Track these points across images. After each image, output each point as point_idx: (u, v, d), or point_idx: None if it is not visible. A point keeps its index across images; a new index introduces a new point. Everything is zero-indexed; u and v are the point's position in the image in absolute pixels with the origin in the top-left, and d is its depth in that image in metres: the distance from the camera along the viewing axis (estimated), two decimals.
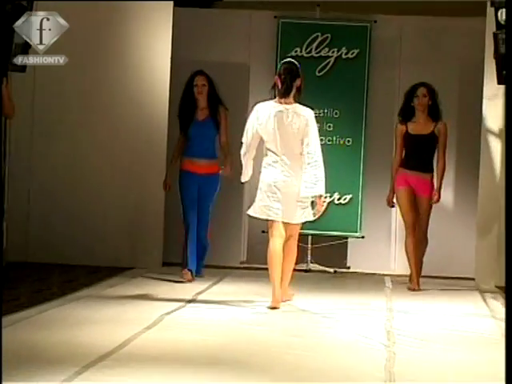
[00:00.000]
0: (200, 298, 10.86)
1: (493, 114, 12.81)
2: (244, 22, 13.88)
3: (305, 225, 11.00)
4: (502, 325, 9.83)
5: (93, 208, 13.14)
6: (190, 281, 11.52)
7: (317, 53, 13.63)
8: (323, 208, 10.49)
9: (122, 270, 12.56)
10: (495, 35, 11.95)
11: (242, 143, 10.31)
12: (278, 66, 10.72)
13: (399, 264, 12.78)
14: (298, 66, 10.34)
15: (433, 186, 11.62)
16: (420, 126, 11.31)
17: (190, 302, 10.53)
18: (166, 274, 12.49)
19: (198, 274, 11.88)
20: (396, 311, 10.36)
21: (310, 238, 13.29)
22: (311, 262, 13.48)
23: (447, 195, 13.40)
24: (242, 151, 10.35)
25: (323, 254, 13.53)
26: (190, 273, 11.60)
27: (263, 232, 13.46)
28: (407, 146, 11.37)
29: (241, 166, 10.71)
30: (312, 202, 10.13)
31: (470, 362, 7.87)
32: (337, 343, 8.54)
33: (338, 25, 13.64)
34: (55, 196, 13.11)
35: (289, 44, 13.73)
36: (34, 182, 13.31)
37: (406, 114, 11.36)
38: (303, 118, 10.19)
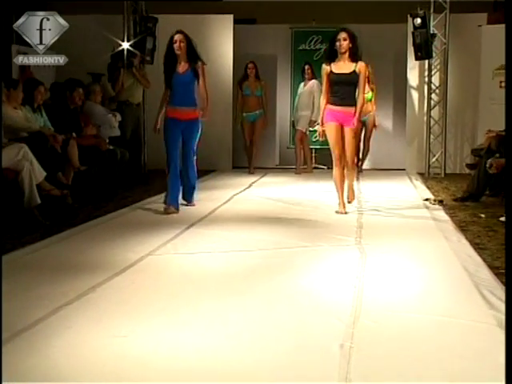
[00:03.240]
0: (254, 185, 10.87)
1: (412, 77, 12.81)
2: (273, 31, 13.60)
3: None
4: (421, 193, 9.92)
5: None
6: (173, 213, 8.03)
7: (314, 47, 13.49)
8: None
9: (211, 171, 12.37)
10: (413, 33, 12.00)
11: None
12: (303, 63, 12.61)
13: (365, 163, 12.79)
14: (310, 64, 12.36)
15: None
16: (342, 66, 7.89)
17: (248, 187, 10.57)
18: (234, 173, 12.47)
19: (189, 204, 8.60)
20: (362, 188, 10.28)
21: (313, 150, 13.25)
22: (315, 163, 13.47)
23: (389, 122, 13.38)
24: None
25: (321, 159, 13.45)
26: (171, 207, 8.08)
27: (287, 148, 13.56)
28: (332, 84, 7.93)
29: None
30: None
31: (404, 220, 7.81)
32: (326, 207, 8.50)
33: (324, 30, 13.38)
34: None
35: (298, 42, 13.61)
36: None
37: (331, 56, 7.99)
38: (314, 85, 12.08)
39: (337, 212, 8.08)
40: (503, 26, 11.45)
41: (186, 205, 8.53)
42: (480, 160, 9.25)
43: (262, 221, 7.55)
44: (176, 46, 8.10)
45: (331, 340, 3.73)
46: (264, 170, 12.85)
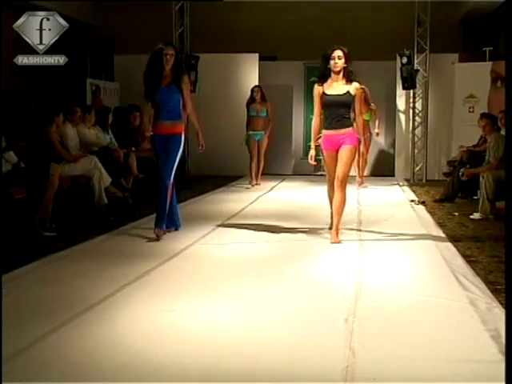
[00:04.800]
0: (275, 188, 10.72)
1: (400, 103, 12.72)
2: (290, 66, 13.46)
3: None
4: (408, 195, 9.83)
5: (224, 146, 12.34)
6: (159, 236, 5.97)
7: None
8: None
9: (239, 177, 12.12)
10: (400, 68, 11.91)
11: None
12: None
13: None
14: None
15: (353, 134, 5.90)
16: (335, 86, 5.80)
17: (270, 190, 10.44)
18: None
19: (166, 229, 6.19)
20: (361, 189, 10.25)
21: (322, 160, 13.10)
22: (323, 171, 13.30)
23: (381, 138, 13.13)
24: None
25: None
26: (160, 231, 6.01)
27: (301, 159, 13.44)
28: (325, 105, 5.87)
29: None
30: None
31: (395, 217, 7.70)
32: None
33: None
34: (212, 140, 12.45)
35: (310, 75, 13.40)
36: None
37: (323, 76, 5.86)
38: None
39: (332, 242, 5.92)
40: (471, 63, 11.75)
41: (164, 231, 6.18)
42: (454, 169, 9.23)
43: (281, 217, 7.46)
44: (166, 58, 6.04)
45: (337, 315, 3.70)
46: (280, 176, 12.70)
